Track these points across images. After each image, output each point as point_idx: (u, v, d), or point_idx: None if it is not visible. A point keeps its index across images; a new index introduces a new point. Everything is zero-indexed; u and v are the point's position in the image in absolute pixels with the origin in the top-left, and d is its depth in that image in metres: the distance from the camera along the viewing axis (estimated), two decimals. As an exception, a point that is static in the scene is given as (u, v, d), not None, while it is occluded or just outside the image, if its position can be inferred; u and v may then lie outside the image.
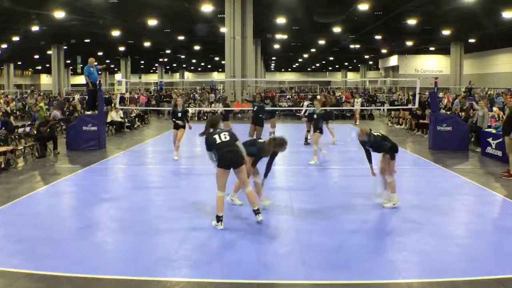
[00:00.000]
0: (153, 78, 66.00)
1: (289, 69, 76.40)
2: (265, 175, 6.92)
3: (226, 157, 6.00)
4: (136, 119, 20.11)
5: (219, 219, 6.02)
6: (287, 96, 31.49)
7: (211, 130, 6.37)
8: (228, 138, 6.10)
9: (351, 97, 27.67)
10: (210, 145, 6.15)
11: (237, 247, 5.41)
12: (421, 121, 16.62)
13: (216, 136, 6.12)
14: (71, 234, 5.93)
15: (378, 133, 7.03)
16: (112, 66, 57.97)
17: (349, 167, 10.67)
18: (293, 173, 9.88)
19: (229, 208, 7.06)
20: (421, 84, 15.41)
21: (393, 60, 47.28)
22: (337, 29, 28.15)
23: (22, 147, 11.83)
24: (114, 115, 17.49)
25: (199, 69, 71.23)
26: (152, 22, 25.13)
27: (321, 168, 10.38)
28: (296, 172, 9.95)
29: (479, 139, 12.51)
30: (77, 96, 30.77)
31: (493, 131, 11.65)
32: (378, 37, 32.51)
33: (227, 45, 22.60)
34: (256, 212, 6.16)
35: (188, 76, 71.38)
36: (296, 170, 10.21)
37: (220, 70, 65.39)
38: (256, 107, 12.53)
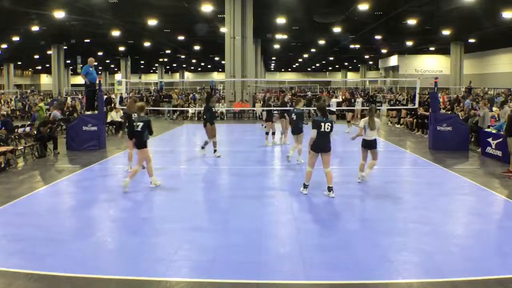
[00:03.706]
0: (153, 78, 66.00)
1: (289, 69, 76.37)
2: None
3: (319, 144, 7.40)
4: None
5: (305, 186, 7.67)
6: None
7: (321, 115, 7.52)
8: (328, 130, 7.37)
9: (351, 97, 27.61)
10: (316, 127, 7.40)
11: (237, 247, 5.40)
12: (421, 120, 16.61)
13: (322, 124, 7.36)
14: (71, 234, 5.93)
15: None
16: (112, 66, 57.95)
17: (350, 167, 10.65)
18: (293, 173, 9.88)
19: (229, 208, 7.07)
20: (421, 84, 15.41)
21: (393, 60, 47.22)
22: (337, 29, 28.11)
23: (22, 147, 11.83)
24: (114, 115, 17.48)
25: (199, 69, 71.21)
26: (152, 22, 25.11)
27: (321, 168, 10.36)
28: (296, 172, 9.94)
29: (479, 139, 12.50)
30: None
31: (493, 131, 11.64)
32: (378, 37, 32.44)
33: (227, 45, 22.59)
34: (330, 188, 7.55)
35: (188, 76, 71.37)
36: (296, 170, 10.20)
37: (220, 70, 65.38)
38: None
